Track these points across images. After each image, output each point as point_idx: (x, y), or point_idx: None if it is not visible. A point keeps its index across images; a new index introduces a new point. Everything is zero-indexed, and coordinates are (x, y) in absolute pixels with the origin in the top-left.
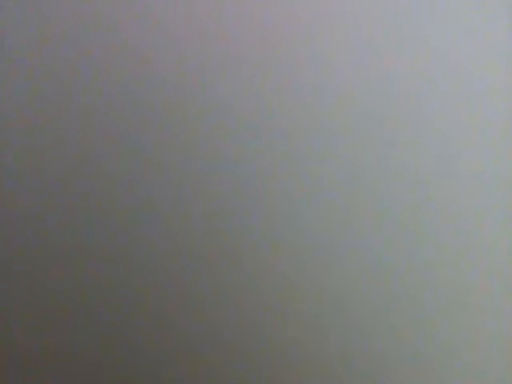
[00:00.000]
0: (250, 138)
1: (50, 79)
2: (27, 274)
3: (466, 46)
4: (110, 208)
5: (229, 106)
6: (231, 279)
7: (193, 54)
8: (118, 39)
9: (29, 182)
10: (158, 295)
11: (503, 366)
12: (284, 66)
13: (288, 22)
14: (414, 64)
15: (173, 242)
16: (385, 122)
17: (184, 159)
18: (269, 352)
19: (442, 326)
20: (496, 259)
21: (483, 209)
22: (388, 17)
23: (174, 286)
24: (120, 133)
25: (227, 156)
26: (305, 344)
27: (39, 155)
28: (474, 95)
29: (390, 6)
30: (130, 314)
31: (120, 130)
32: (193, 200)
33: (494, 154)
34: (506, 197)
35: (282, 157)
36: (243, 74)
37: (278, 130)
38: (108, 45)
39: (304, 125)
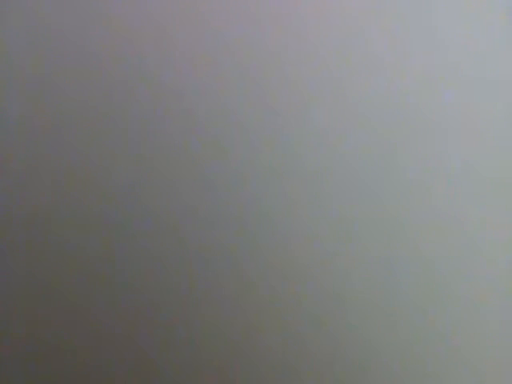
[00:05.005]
0: (250, 138)
1: (50, 79)
2: (27, 273)
3: (466, 46)
4: (111, 208)
5: (228, 107)
6: (230, 279)
7: (193, 53)
8: (119, 39)
9: (29, 182)
10: (158, 296)
11: (504, 367)
12: (284, 69)
13: (291, 27)
14: (412, 65)
15: (173, 243)
16: (385, 126)
17: (183, 158)
18: (268, 352)
19: (442, 327)
20: (496, 261)
21: (484, 210)
22: (388, 16)
23: (174, 286)
24: (120, 132)
25: (226, 155)
26: (304, 345)
27: (39, 155)
28: (475, 97)
29: (390, 7)
30: (130, 313)
31: (120, 130)
32: (193, 201)
33: (495, 156)
34: (507, 198)
35: (281, 158)
36: (243, 76)
37: (277, 132)
38: (108, 45)
39: (302, 125)
